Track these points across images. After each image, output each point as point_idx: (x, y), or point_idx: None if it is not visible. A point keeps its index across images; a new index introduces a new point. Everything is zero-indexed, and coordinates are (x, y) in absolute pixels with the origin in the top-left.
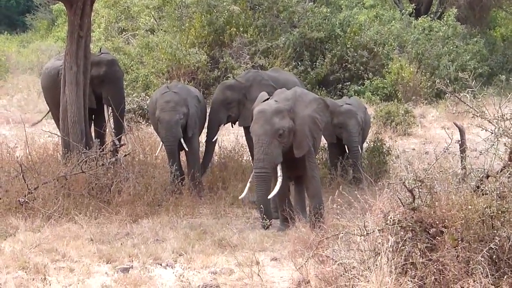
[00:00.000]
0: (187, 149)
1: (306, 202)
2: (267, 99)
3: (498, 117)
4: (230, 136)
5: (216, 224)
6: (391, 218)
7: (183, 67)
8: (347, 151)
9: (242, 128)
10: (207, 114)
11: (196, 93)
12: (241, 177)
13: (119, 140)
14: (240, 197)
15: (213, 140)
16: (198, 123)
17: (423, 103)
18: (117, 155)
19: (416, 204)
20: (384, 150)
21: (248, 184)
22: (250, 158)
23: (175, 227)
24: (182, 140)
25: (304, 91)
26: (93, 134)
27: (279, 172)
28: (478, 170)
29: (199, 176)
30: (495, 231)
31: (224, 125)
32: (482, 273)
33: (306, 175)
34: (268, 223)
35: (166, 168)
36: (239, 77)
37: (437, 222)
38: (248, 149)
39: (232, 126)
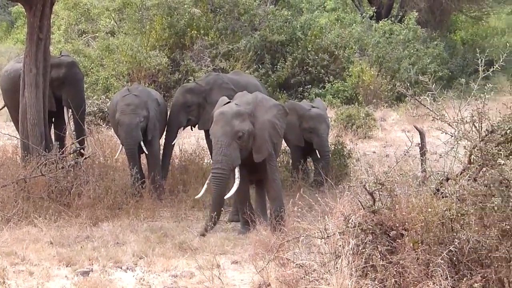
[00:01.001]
0: (147, 152)
1: (267, 205)
2: (228, 102)
3: (458, 120)
4: (191, 139)
5: (177, 227)
6: (351, 221)
7: (144, 69)
8: (319, 155)
9: (202, 131)
10: (168, 117)
11: (156, 96)
12: (202, 180)
13: (80, 143)
14: (196, 197)
15: (172, 143)
16: (159, 126)
17: (383, 106)
18: (80, 158)
19: (376, 207)
20: (345, 153)
21: (205, 186)
22: (211, 161)
23: (136, 230)
24: (142, 143)
25: (265, 96)
26: (53, 137)
27: (237, 174)
28: (438, 173)
29: (160, 179)
30: (455, 234)
31: (184, 128)
32: (441, 275)
33: (267, 178)
34: (211, 226)
35: (127, 171)
36: (199, 80)
37: (397, 225)
38: (208, 152)
39: (192, 129)
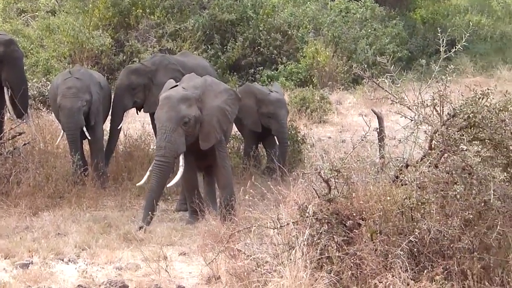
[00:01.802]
0: (90, 138)
1: (217, 194)
2: (175, 86)
3: (418, 103)
4: (136, 124)
5: (121, 217)
6: (306, 210)
7: (86, 50)
8: (277, 142)
9: (148, 116)
10: (112, 100)
11: (99, 78)
12: (148, 167)
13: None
14: (138, 184)
15: (118, 127)
16: (102, 110)
17: (339, 88)
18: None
19: (332, 195)
20: (299, 138)
21: (148, 173)
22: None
23: (78, 220)
24: (84, 129)
25: (215, 80)
26: None
27: (181, 162)
28: (397, 160)
29: (103, 166)
30: (415, 223)
31: (128, 111)
32: (401, 267)
33: (217, 165)
34: (148, 219)
35: (68, 158)
36: (144, 61)
37: (354, 214)
38: (154, 137)
39: (138, 113)
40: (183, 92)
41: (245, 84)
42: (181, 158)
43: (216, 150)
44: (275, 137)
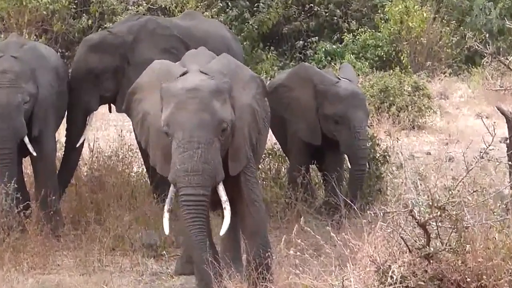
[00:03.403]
0: (34, 154)
1: (242, 246)
2: (185, 73)
3: None
4: (110, 131)
5: (86, 285)
6: (389, 273)
7: (29, 11)
8: (349, 163)
9: (128, 118)
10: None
11: (54, 60)
12: (129, 202)
13: None
14: (166, 232)
15: (79, 142)
16: (55, 112)
17: (444, 73)
18: None
19: (432, 249)
20: (378, 155)
21: (166, 216)
22: (145, 168)
23: None
24: (26, 140)
25: (238, 62)
26: None
27: (224, 196)
28: None
29: (55, 201)
30: None
31: (94, 112)
32: None
33: (242, 199)
34: None
35: None
36: (115, 26)
37: (469, 280)
38: (140, 153)
39: (110, 111)
40: (213, 81)
41: (298, 66)
42: (221, 189)
43: (242, 175)
44: (345, 154)
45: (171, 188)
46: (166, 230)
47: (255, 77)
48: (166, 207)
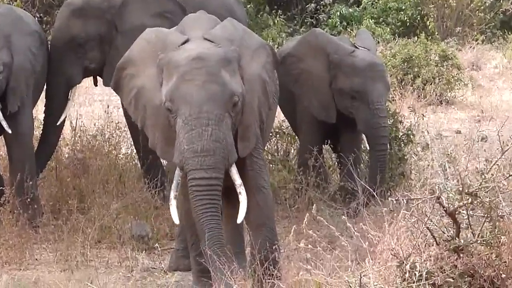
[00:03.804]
0: (9, 132)
1: (246, 237)
2: (186, 40)
3: None
4: (95, 107)
5: (68, 282)
6: (413, 268)
7: None
8: (367, 143)
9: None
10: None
11: (30, 25)
12: (117, 187)
13: None
14: (174, 220)
15: (59, 121)
16: (33, 85)
17: (476, 40)
18: None
19: (462, 241)
20: (401, 134)
21: (173, 202)
22: (134, 149)
23: None
24: (0, 116)
25: (245, 27)
26: None
27: (239, 180)
28: None
29: (33, 186)
30: None
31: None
32: None
33: (247, 184)
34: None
35: None
36: None
37: (504, 276)
38: (129, 132)
39: (96, 85)
40: (221, 49)
41: (309, 32)
42: (234, 171)
43: (248, 157)
44: (363, 134)
45: (177, 171)
46: (176, 219)
47: (264, 45)
48: (172, 194)
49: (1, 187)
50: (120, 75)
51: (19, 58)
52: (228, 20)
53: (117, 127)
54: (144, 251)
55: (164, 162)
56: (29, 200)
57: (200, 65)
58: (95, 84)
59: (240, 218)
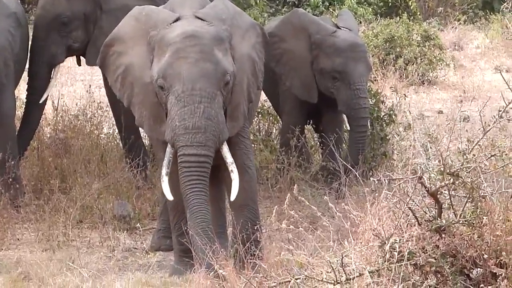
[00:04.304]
0: None
1: (228, 217)
2: (177, 19)
3: None
4: (77, 87)
5: (50, 262)
6: (394, 248)
7: None
8: (348, 123)
9: (99, 72)
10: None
11: (8, 7)
12: (99, 167)
13: None
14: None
15: (41, 98)
16: (14, 65)
17: (458, 20)
18: None
19: (444, 221)
20: (382, 114)
21: (164, 181)
22: (116, 129)
23: None
24: None
25: (235, 7)
26: None
27: (230, 158)
28: None
29: (15, 166)
30: None
31: (59, 65)
32: None
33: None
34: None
35: None
36: None
37: (486, 256)
38: (111, 112)
39: (79, 64)
40: (212, 27)
41: (291, 12)
42: (226, 150)
43: (234, 136)
44: (344, 114)
45: (168, 148)
46: (169, 196)
47: (255, 25)
48: (163, 171)
49: None
50: (107, 52)
51: (0, 39)
52: None
53: (99, 107)
54: (125, 231)
55: (146, 142)
56: (10, 180)
57: (193, 43)
58: (78, 63)
59: (233, 196)
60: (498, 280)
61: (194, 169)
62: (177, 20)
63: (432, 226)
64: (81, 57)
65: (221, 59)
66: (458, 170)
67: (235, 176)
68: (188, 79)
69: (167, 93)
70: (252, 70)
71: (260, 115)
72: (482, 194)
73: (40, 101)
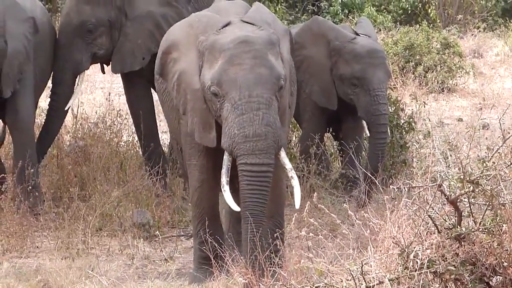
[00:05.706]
0: (7, 121)
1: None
2: (227, 24)
3: None
4: (96, 95)
5: (69, 270)
6: (415, 256)
7: None
8: (368, 130)
9: (119, 79)
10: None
11: (26, 12)
12: (118, 175)
13: None
14: (230, 207)
15: (67, 106)
16: (34, 69)
17: (478, 28)
18: None
19: (464, 229)
20: (402, 122)
21: (226, 189)
22: (136, 137)
23: None
24: None
25: (271, 12)
26: None
27: (289, 164)
28: None
29: (35, 173)
30: None
31: (83, 72)
32: None
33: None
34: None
35: None
36: None
37: (506, 264)
38: (131, 119)
39: (103, 72)
40: (263, 32)
41: (311, 20)
42: (284, 155)
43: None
44: (364, 121)
45: (226, 157)
46: (234, 206)
47: (287, 30)
48: (224, 180)
49: (3, 174)
50: (166, 60)
51: (15, 43)
52: (258, 4)
53: (119, 115)
54: (145, 239)
55: (166, 149)
56: (30, 187)
57: (248, 49)
58: (103, 71)
59: (297, 203)
60: None
61: (256, 179)
62: (227, 25)
63: (451, 234)
64: (105, 65)
65: (274, 64)
66: (478, 178)
67: (295, 183)
68: (245, 86)
69: (222, 100)
70: (290, 76)
71: None
72: (502, 201)
73: (65, 108)
